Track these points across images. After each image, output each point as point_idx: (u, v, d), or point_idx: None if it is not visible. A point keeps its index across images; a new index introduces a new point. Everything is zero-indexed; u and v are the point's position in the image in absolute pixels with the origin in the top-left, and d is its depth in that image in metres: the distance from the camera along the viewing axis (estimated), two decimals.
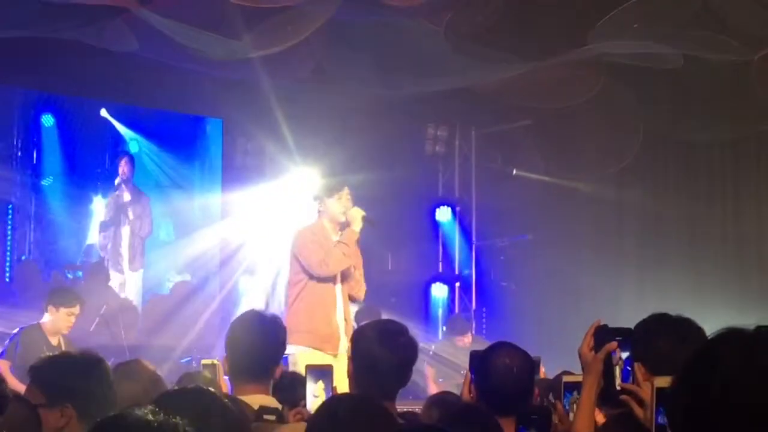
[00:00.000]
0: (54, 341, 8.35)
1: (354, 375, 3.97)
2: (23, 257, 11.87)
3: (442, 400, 4.41)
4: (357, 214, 7.51)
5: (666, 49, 8.86)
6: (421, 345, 11.09)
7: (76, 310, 8.42)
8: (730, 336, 1.70)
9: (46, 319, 8.40)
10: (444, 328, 12.22)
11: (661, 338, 3.13)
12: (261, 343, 4.13)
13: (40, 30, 8.31)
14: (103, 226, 12.45)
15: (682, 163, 11.88)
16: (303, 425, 3.29)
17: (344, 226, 7.50)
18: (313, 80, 9.96)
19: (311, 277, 7.35)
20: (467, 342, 10.77)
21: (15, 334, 8.36)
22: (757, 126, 10.47)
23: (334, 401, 3.25)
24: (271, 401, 4.02)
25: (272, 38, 8.41)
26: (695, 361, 1.69)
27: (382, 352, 3.91)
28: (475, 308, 13.08)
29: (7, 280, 11.50)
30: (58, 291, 8.80)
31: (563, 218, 12.32)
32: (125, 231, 12.31)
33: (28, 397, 3.49)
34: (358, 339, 4.05)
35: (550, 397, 4.38)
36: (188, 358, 10.65)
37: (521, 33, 8.98)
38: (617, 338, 3.09)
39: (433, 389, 10.02)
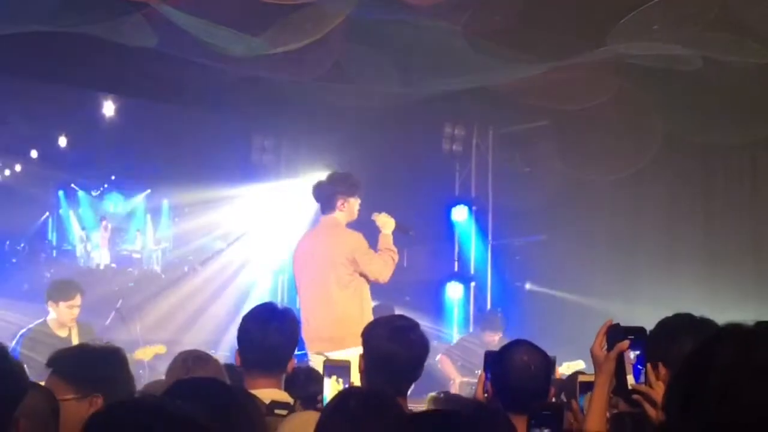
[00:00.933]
0: (63, 333, 8.30)
1: (366, 371, 3.98)
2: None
3: (447, 398, 4.42)
4: (387, 220, 7.58)
5: (685, 51, 8.83)
6: (435, 343, 11.07)
7: (76, 301, 8.37)
8: (728, 332, 1.68)
9: (51, 314, 8.38)
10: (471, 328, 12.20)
11: (683, 338, 3.11)
12: (274, 336, 4.11)
13: (58, 24, 8.34)
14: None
15: (700, 164, 11.84)
16: (313, 416, 3.30)
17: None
18: (331, 78, 9.95)
19: (360, 277, 7.38)
20: (496, 339, 10.71)
21: (21, 335, 8.29)
22: None
23: (346, 394, 3.26)
24: (282, 396, 4.02)
25: (290, 35, 8.42)
26: (693, 359, 1.68)
27: (393, 348, 3.92)
28: (490, 308, 13.06)
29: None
30: (55, 285, 8.70)
31: (579, 219, 12.31)
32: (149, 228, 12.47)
33: (53, 391, 3.49)
34: (369, 335, 4.06)
35: (562, 396, 4.37)
36: None
37: (540, 33, 8.96)
38: (629, 337, 3.09)
39: (456, 386, 10.03)
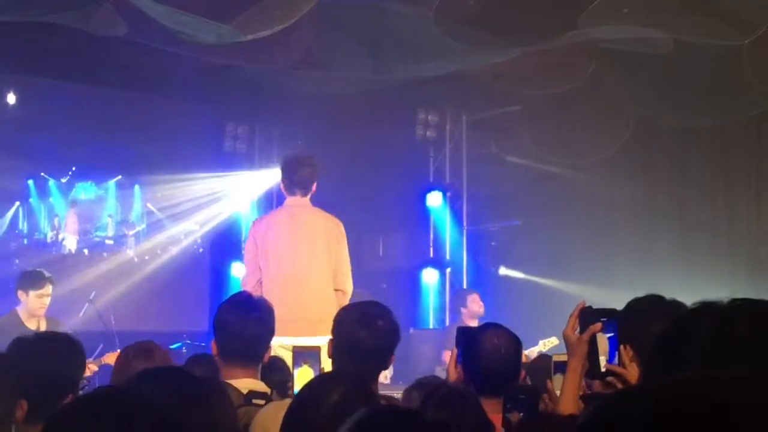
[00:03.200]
0: (32, 325, 8.12)
1: (334, 356, 3.97)
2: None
3: (423, 383, 4.40)
4: None
5: (656, 34, 8.84)
6: (412, 330, 11.03)
7: (47, 290, 8.23)
8: (706, 309, 1.66)
9: (21, 305, 8.25)
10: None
11: (653, 320, 3.09)
12: (254, 327, 4.10)
13: (26, 14, 8.27)
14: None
15: (673, 148, 11.88)
16: (287, 402, 3.26)
17: None
18: (303, 65, 9.91)
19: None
20: (477, 306, 10.77)
21: None
22: (748, 111, 10.48)
23: (325, 380, 3.19)
24: (260, 385, 4.01)
25: (261, 22, 8.37)
26: (670, 335, 1.65)
27: (360, 334, 3.90)
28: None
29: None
30: (26, 274, 8.54)
31: (554, 203, 12.33)
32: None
33: None
34: (339, 320, 4.05)
35: (527, 380, 4.38)
36: (179, 344, 10.63)
37: (512, 17, 8.95)
38: (602, 319, 3.08)
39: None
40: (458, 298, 11.45)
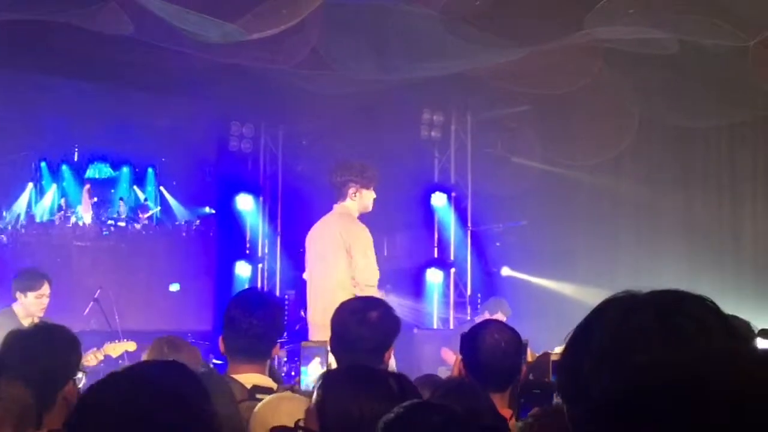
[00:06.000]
0: (27, 323, 8.05)
1: (333, 351, 4.02)
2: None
3: (431, 380, 4.40)
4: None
5: (662, 35, 8.83)
6: (416, 331, 10.99)
7: (45, 290, 8.11)
8: (613, 299, 1.62)
9: (17, 303, 8.15)
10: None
11: None
12: (259, 325, 4.09)
13: (31, 12, 8.28)
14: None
15: (679, 148, 11.86)
16: (287, 395, 3.28)
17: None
18: (308, 65, 9.91)
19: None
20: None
21: None
22: (754, 111, 10.47)
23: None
24: (265, 381, 4.02)
25: (266, 22, 8.37)
26: (578, 327, 1.61)
27: (352, 327, 3.96)
28: (470, 294, 13.07)
29: None
30: (23, 274, 8.39)
31: (559, 204, 12.32)
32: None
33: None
34: (335, 313, 4.10)
35: (530, 376, 4.40)
36: None
37: (518, 17, 8.95)
38: None
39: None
40: (494, 305, 11.10)
